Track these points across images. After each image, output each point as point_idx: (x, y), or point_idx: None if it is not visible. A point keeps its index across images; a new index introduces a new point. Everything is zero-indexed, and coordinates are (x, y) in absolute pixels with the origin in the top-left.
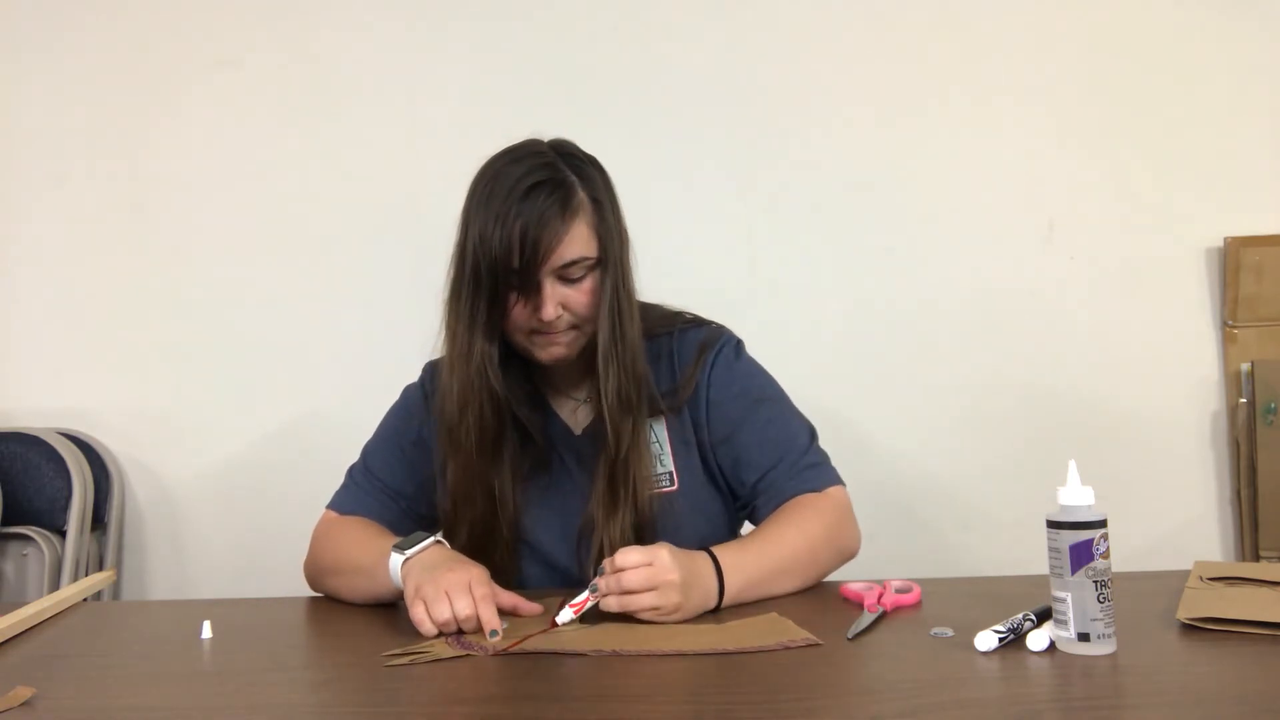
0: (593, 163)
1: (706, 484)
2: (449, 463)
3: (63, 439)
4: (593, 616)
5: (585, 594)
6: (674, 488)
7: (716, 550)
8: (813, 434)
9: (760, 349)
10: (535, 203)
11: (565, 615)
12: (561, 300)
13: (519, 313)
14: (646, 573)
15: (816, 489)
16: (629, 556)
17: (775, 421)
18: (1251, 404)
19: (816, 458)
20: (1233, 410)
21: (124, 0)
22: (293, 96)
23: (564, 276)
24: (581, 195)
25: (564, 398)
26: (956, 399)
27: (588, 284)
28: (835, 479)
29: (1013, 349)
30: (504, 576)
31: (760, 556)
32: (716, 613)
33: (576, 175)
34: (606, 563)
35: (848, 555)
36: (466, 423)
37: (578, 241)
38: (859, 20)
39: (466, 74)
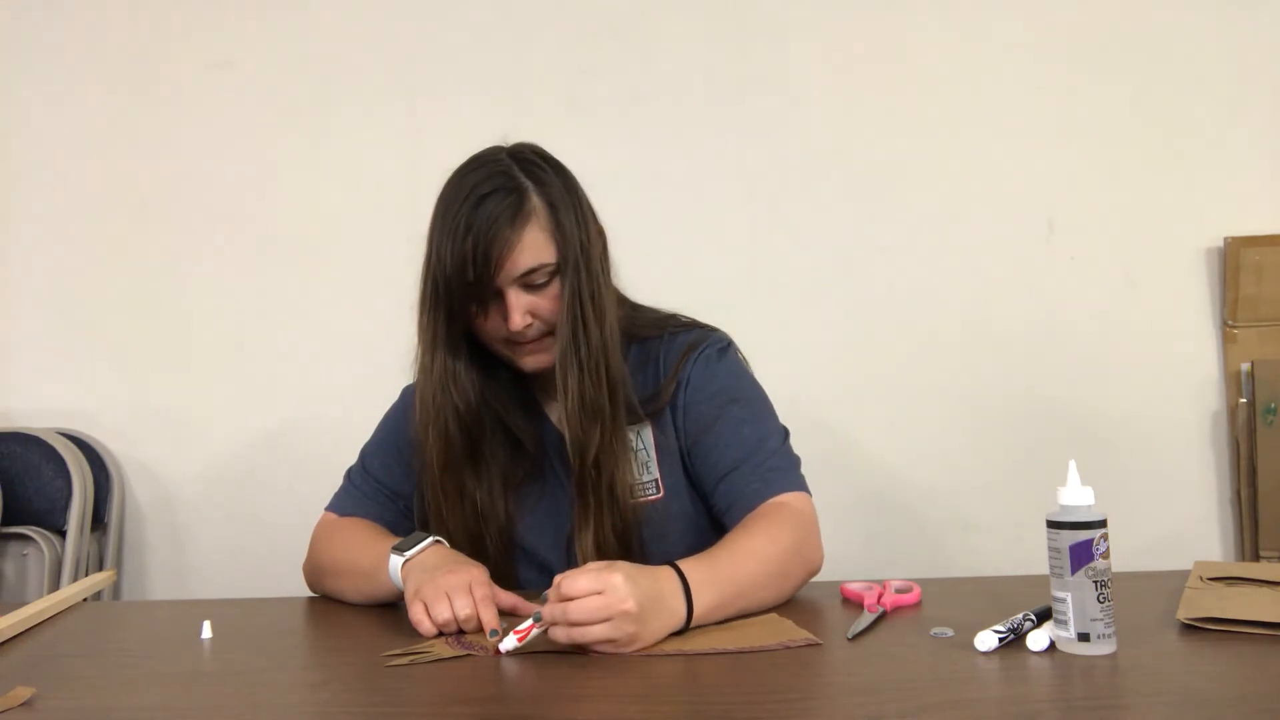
0: (553, 166)
1: (691, 489)
2: (423, 477)
3: (63, 439)
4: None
5: (529, 622)
6: (659, 495)
7: (684, 566)
8: (785, 438)
9: (760, 350)
10: (485, 212)
11: (509, 643)
12: (529, 308)
13: (490, 324)
14: (597, 603)
15: (781, 492)
16: (576, 583)
17: (746, 422)
18: (1251, 404)
19: (784, 461)
20: (1233, 410)
21: (122, 1)
22: (291, 97)
23: (528, 284)
24: (535, 201)
25: (554, 402)
26: (956, 398)
27: (553, 290)
28: (801, 485)
29: (1012, 349)
30: (500, 581)
31: (731, 573)
32: (683, 634)
33: (531, 180)
34: (551, 589)
35: (813, 571)
36: (430, 439)
37: (531, 248)
38: (859, 20)
39: (466, 74)
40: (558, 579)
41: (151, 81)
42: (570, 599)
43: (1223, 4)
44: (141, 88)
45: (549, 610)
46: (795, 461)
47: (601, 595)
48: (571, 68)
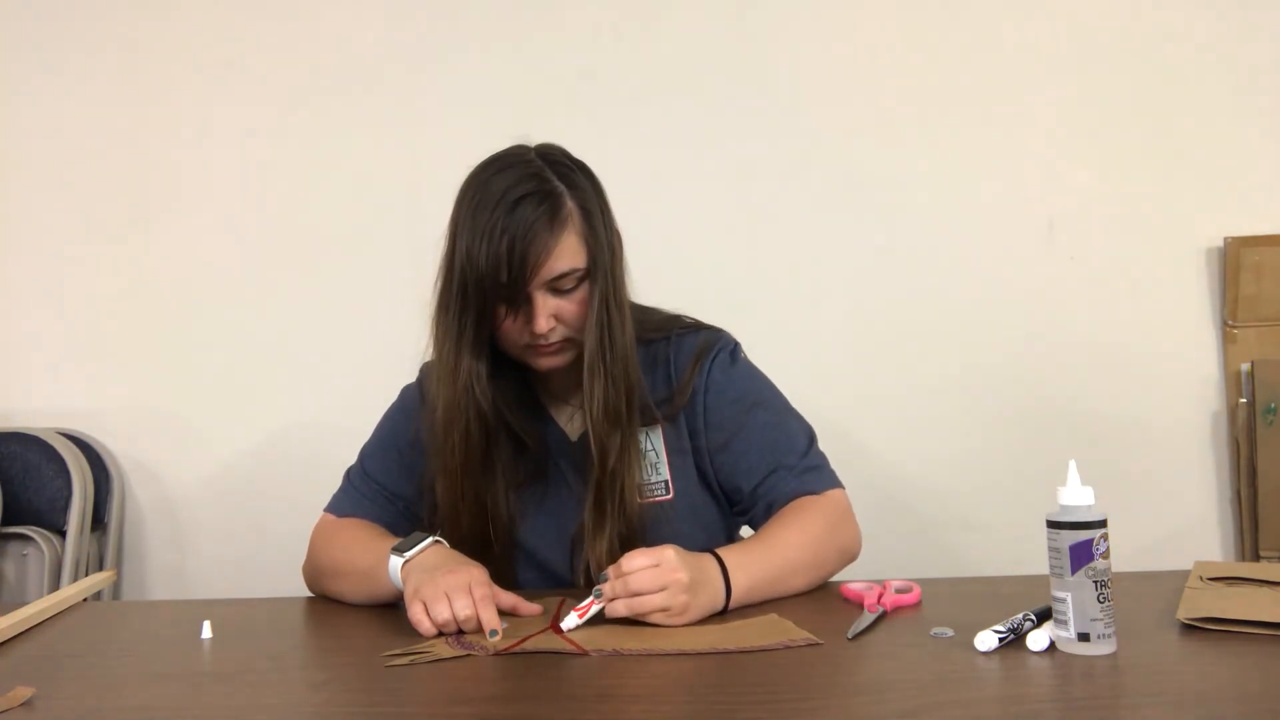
0: (582, 169)
1: (702, 491)
2: (437, 478)
3: (63, 439)
4: (597, 620)
5: (590, 599)
6: (669, 496)
7: (721, 552)
8: (811, 437)
9: (760, 350)
10: (522, 215)
11: (570, 621)
12: (554, 312)
13: (512, 326)
14: (654, 573)
15: (816, 491)
16: (635, 560)
17: (773, 425)
18: (1251, 404)
19: (815, 461)
20: (1233, 410)
21: (123, 1)
22: (293, 98)
23: (555, 288)
24: (570, 205)
25: (561, 404)
26: (957, 398)
27: (580, 294)
28: (835, 481)
29: (1013, 349)
30: (500, 582)
31: (765, 558)
32: (723, 615)
33: (565, 184)
34: (611, 568)
35: (849, 556)
36: (452, 441)
37: (567, 253)
38: (859, 20)
39: (467, 74)
40: (603, 568)
41: (152, 81)
42: (629, 573)
43: (1223, 4)
44: (142, 87)
45: (610, 586)
46: (824, 459)
47: (658, 567)
48: (573, 68)
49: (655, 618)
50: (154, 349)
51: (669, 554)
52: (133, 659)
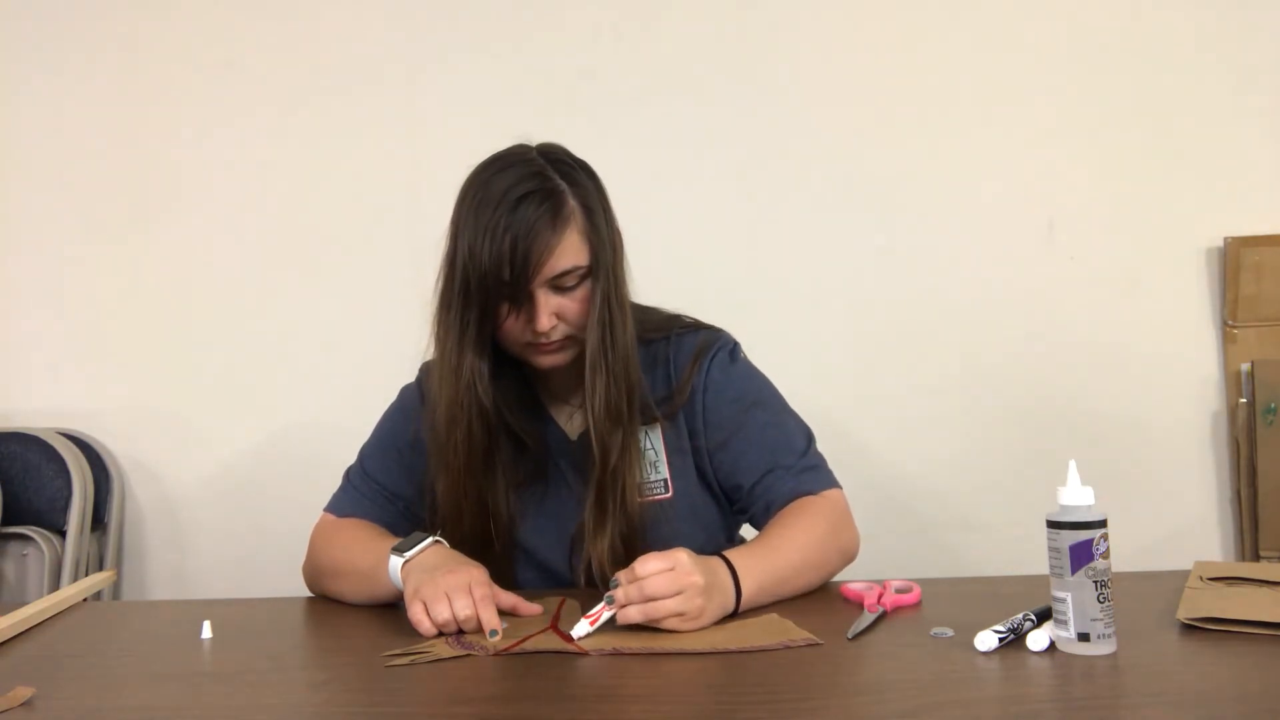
0: (583, 168)
1: (702, 490)
2: (438, 477)
3: (63, 439)
4: (606, 626)
5: (601, 605)
6: (668, 495)
7: (730, 555)
8: (810, 437)
9: (761, 350)
10: (525, 213)
11: (581, 629)
12: (556, 310)
13: (514, 325)
14: (669, 577)
15: (814, 491)
16: (649, 564)
17: (772, 425)
18: (1251, 404)
19: (814, 460)
20: (1233, 410)
21: (123, 1)
22: (292, 98)
23: (557, 286)
24: (572, 203)
25: (560, 404)
26: (956, 399)
27: (581, 292)
28: (833, 482)
29: (1013, 349)
30: (500, 582)
31: (770, 560)
32: (733, 618)
33: (567, 182)
34: (623, 574)
35: (849, 557)
36: (454, 439)
37: (569, 251)
38: (860, 20)
39: (467, 74)
40: (601, 570)
41: (152, 81)
42: (644, 578)
43: (1223, 4)
44: (142, 88)
45: (623, 592)
46: (823, 459)
47: (672, 571)
48: (573, 69)
49: (670, 623)
50: (154, 349)
51: (682, 557)
52: (133, 659)
